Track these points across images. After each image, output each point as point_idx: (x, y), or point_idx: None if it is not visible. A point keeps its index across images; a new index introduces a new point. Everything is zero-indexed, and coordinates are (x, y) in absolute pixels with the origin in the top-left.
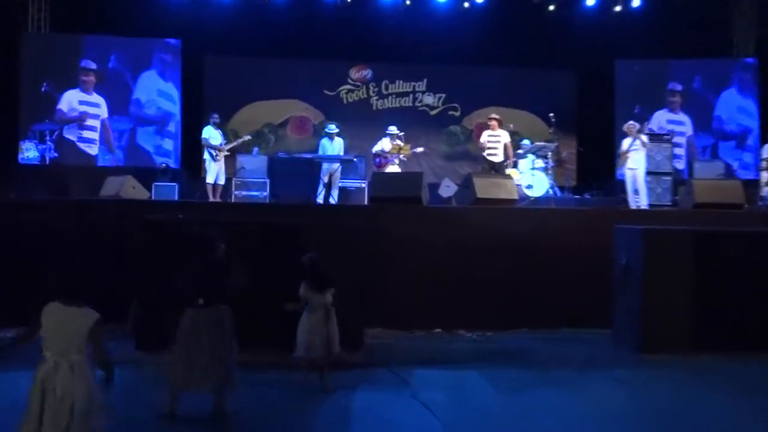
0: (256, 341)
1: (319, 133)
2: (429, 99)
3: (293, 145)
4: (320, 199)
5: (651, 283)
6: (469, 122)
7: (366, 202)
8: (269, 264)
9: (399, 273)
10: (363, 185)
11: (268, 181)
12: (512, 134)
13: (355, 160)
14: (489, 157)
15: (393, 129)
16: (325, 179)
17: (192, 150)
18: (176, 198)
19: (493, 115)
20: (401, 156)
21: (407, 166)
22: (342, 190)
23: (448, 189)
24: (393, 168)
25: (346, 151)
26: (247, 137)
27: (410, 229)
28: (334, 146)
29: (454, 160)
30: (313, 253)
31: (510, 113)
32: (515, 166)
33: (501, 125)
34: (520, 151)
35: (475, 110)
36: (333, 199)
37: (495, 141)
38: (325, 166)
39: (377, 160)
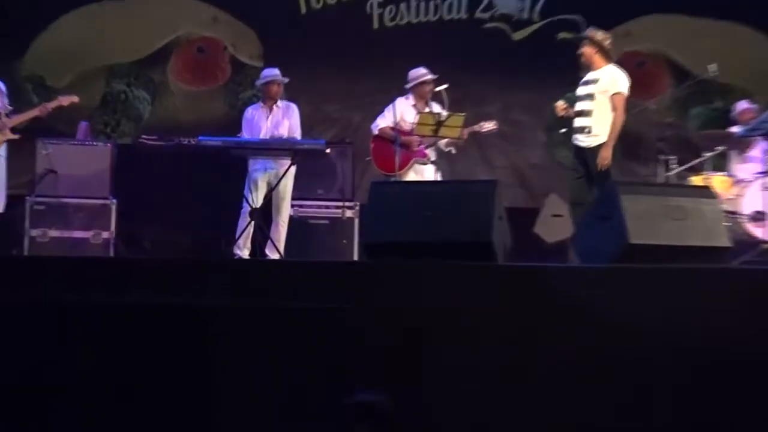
0: None
1: (245, 82)
2: (508, 3)
3: (184, 111)
4: (243, 249)
5: None
6: None
7: (355, 256)
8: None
9: None
10: (350, 214)
11: (113, 203)
12: (708, 93)
13: (328, 151)
14: (576, 137)
15: (422, 74)
16: (256, 196)
17: None
18: None
19: (592, 34)
20: (443, 143)
21: (456, 166)
22: (297, 224)
23: (555, 225)
24: (422, 173)
25: (306, 131)
26: (66, 99)
27: (464, 324)
28: (275, 117)
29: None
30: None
31: (699, 30)
32: (717, 168)
33: (605, 55)
34: (734, 129)
35: (616, 26)
36: (276, 249)
37: (585, 91)
38: (256, 165)
39: (383, 151)
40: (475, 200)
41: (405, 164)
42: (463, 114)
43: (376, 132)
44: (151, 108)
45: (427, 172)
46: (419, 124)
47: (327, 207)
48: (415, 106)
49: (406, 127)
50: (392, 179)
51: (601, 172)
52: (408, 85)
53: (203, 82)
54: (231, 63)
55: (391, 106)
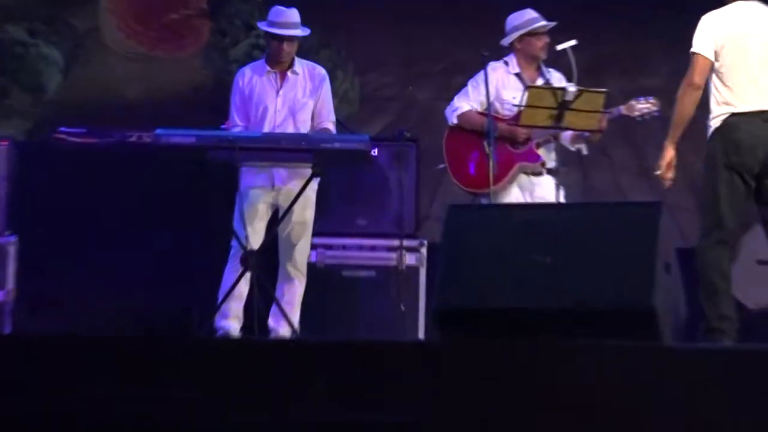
0: None
1: (234, 29)
2: None
3: (130, 82)
4: (230, 320)
5: None
6: None
7: (421, 331)
8: None
9: None
10: (412, 260)
11: (13, 243)
12: None
13: (375, 153)
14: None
15: (531, 20)
16: (254, 230)
17: None
18: None
19: None
20: (567, 139)
21: (591, 178)
22: (324, 277)
23: (763, 278)
24: (532, 189)
25: (338, 117)
26: None
27: None
28: (291, 90)
29: None
30: None
31: None
32: None
33: None
34: None
35: None
36: (287, 321)
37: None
38: (254, 177)
39: (467, 152)
40: (625, 236)
41: (504, 174)
42: (603, 90)
43: (454, 121)
44: (65, 79)
45: (542, 188)
46: (529, 106)
47: (373, 248)
48: (519, 76)
49: (505, 111)
50: (482, 200)
51: None
52: (507, 40)
53: (163, 44)
54: (210, 4)
55: (479, 75)
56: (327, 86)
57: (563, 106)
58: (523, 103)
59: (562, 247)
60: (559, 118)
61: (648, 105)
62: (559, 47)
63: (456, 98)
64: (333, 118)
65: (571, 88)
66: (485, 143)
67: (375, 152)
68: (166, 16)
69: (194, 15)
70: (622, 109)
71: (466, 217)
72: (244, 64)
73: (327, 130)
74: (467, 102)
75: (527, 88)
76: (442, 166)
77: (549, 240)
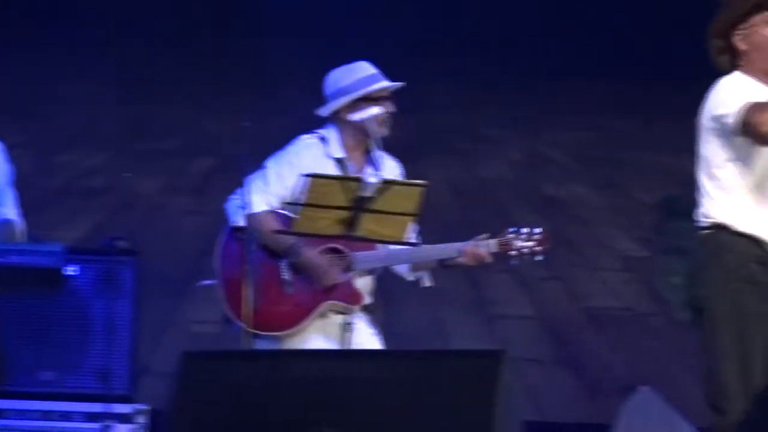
0: None
1: None
2: None
3: None
4: None
5: None
6: None
7: None
8: None
9: None
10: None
11: None
12: None
13: (72, 272)
14: None
15: (367, 78)
16: None
17: None
18: None
19: None
20: (405, 269)
21: (404, 317)
22: None
23: None
24: (335, 333)
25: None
26: None
27: None
28: None
29: None
30: None
31: None
32: None
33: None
34: None
35: None
36: None
37: None
38: None
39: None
40: (452, 399)
41: (304, 315)
42: (420, 183)
43: (238, 222)
44: None
45: (359, 335)
46: (309, 204)
47: (65, 416)
48: (342, 162)
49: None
50: (259, 344)
51: None
52: (330, 107)
53: None
54: None
55: (289, 152)
56: None
57: (359, 204)
58: (302, 200)
59: (358, 418)
60: (351, 223)
61: (532, 243)
62: (354, 117)
63: (252, 186)
64: (14, 205)
65: (372, 178)
66: (283, 268)
67: (72, 270)
68: None
69: None
70: (491, 245)
71: (210, 373)
72: None
73: (8, 225)
74: (265, 196)
75: (307, 176)
76: (207, 282)
77: (338, 407)
